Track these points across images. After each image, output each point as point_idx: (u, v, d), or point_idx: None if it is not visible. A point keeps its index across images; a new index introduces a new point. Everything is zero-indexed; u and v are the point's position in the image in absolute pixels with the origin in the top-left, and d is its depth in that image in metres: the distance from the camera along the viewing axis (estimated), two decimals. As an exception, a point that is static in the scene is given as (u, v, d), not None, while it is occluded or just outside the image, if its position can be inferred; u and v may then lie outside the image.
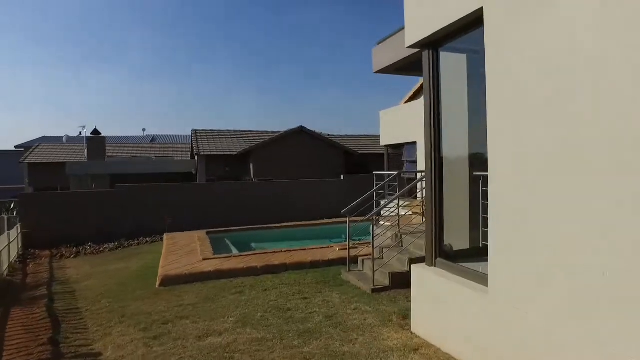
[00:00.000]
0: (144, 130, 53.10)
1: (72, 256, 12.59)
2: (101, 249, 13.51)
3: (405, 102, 16.20)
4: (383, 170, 22.80)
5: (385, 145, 16.75)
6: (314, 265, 8.04)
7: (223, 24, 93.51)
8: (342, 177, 19.95)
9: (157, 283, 7.19)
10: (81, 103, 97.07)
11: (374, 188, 8.68)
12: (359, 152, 24.29)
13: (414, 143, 14.55)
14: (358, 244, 9.35)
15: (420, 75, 6.64)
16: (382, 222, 9.99)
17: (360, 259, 7.55)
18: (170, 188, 16.63)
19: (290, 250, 8.88)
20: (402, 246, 7.24)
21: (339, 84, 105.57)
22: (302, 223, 12.81)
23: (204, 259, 8.25)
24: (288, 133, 22.45)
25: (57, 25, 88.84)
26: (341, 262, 8.28)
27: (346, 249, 9.09)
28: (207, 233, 11.81)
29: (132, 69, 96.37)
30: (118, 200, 15.58)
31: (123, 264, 10.10)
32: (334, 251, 8.96)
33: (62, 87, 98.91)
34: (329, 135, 24.05)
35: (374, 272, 6.37)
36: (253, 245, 11.43)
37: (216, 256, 8.46)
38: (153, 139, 47.58)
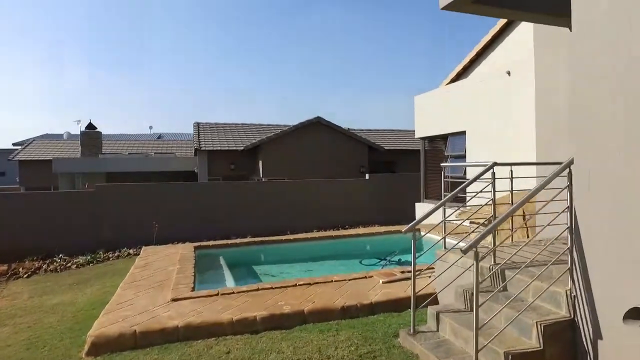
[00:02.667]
0: (150, 127, 50.85)
1: (27, 274, 9.81)
2: (69, 264, 10.74)
3: (449, 84, 13.05)
4: (411, 169, 19.85)
5: (422, 138, 13.61)
6: (348, 313, 4.99)
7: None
8: (367, 176, 16.85)
9: (85, 350, 4.24)
10: (91, 101, 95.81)
11: (460, 188, 5.61)
12: (385, 147, 21.16)
13: (462, 133, 11.39)
14: (404, 271, 6.29)
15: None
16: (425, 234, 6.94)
17: (430, 311, 4.47)
18: (163, 188, 13.75)
19: (309, 284, 5.83)
20: (505, 290, 4.18)
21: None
22: (322, 235, 9.83)
23: (174, 299, 5.26)
24: (303, 125, 19.44)
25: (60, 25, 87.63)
26: (390, 306, 5.24)
27: (393, 279, 6.06)
28: (196, 248, 8.84)
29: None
30: (99, 202, 12.76)
31: (73, 294, 7.21)
32: (377, 284, 5.90)
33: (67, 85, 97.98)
34: (349, 129, 21.00)
35: (476, 351, 3.29)
36: (257, 269, 8.43)
37: (194, 294, 5.44)
38: (160, 136, 45.20)
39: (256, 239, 9.41)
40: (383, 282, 5.91)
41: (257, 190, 14.88)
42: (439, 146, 13.06)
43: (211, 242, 9.31)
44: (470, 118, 11.04)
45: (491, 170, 4.97)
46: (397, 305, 5.25)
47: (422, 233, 10.21)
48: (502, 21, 11.26)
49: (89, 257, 11.16)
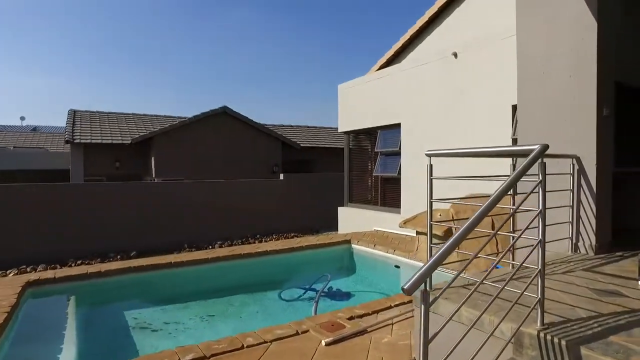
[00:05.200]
0: (22, 119, 43.26)
1: None
2: None
3: (379, 69, 11.40)
4: (328, 169, 17.99)
5: (346, 133, 11.80)
6: None
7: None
8: (281, 176, 14.65)
9: None
10: None
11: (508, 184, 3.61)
12: (302, 145, 19.13)
13: (396, 126, 9.74)
14: (354, 315, 4.17)
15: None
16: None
17: None
18: (8, 191, 10.11)
19: (204, 359, 3.42)
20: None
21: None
22: (228, 253, 7.37)
23: None
24: (206, 116, 16.55)
25: None
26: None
27: (340, 336, 3.87)
28: (31, 284, 5.79)
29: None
30: None
31: None
32: (317, 348, 3.67)
33: None
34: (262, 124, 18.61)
35: None
36: (129, 315, 5.52)
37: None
38: (35, 128, 38.25)
39: (134, 264, 6.65)
40: (326, 344, 3.71)
41: (148, 193, 11.83)
42: (367, 142, 11.33)
43: (58, 272, 6.29)
44: (406, 108, 9.42)
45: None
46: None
47: (356, 245, 8.32)
48: (440, 2, 9.83)
49: None
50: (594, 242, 4.17)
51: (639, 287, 3.16)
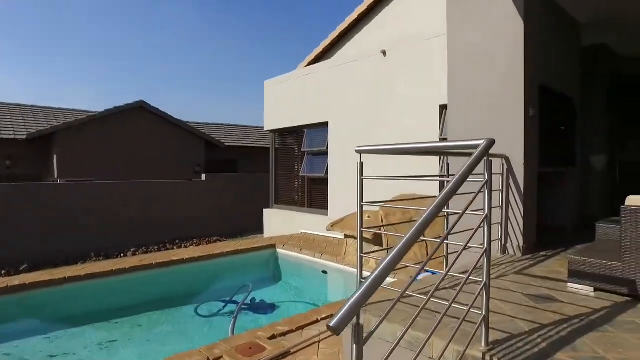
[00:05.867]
0: None
1: None
2: None
3: (308, 65, 11.05)
4: (255, 169, 17.26)
5: (272, 131, 11.31)
6: None
7: None
8: (203, 176, 13.76)
9: None
10: None
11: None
12: (227, 144, 18.23)
13: (324, 125, 9.46)
14: (276, 334, 3.70)
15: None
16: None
17: None
18: None
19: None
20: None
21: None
22: (138, 263, 6.48)
23: None
24: (119, 111, 15.05)
25: None
26: None
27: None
28: None
29: None
30: None
31: None
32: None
33: None
34: (185, 122, 17.38)
35: None
36: (1, 357, 4.54)
37: None
38: None
39: (15, 281, 5.54)
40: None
41: (47, 196, 10.34)
42: (293, 141, 10.93)
43: None
44: (334, 107, 9.15)
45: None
46: None
47: (282, 250, 7.84)
48: (369, 0, 9.71)
49: None
50: (521, 243, 4.11)
51: (568, 289, 3.07)
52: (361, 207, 2.77)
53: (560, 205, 5.35)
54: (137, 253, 10.64)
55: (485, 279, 2.03)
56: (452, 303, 1.88)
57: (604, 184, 6.39)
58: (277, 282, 7.22)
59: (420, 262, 4.48)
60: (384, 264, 1.50)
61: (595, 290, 3.00)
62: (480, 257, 2.03)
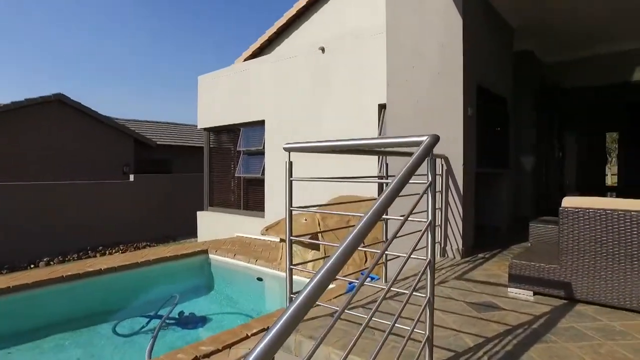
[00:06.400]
0: None
1: None
2: None
3: (245, 61, 10.56)
4: (190, 169, 16.32)
5: (206, 130, 10.71)
6: None
7: None
8: (131, 177, 12.77)
9: None
10: None
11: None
12: (159, 142, 17.14)
13: (260, 123, 9.06)
14: (201, 355, 3.27)
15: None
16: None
17: None
18: None
19: None
20: None
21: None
22: (44, 277, 5.68)
23: None
24: (32, 104, 13.53)
25: None
26: None
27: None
28: None
29: None
30: None
31: None
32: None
33: None
34: (113, 118, 16.03)
35: None
36: None
37: None
38: None
39: None
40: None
41: None
42: (228, 140, 10.39)
43: None
44: (272, 104, 8.77)
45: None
46: None
47: (215, 256, 7.33)
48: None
49: None
50: (460, 246, 4.01)
51: (509, 294, 2.96)
52: (290, 212, 2.44)
53: (495, 205, 5.39)
54: (52, 263, 9.55)
55: (428, 295, 1.78)
56: (394, 324, 1.61)
57: (534, 185, 6.60)
58: (209, 292, 6.70)
59: (358, 270, 4.24)
60: (309, 288, 1.18)
61: (535, 294, 2.91)
62: (423, 270, 1.78)
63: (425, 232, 1.77)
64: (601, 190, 12.74)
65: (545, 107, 7.17)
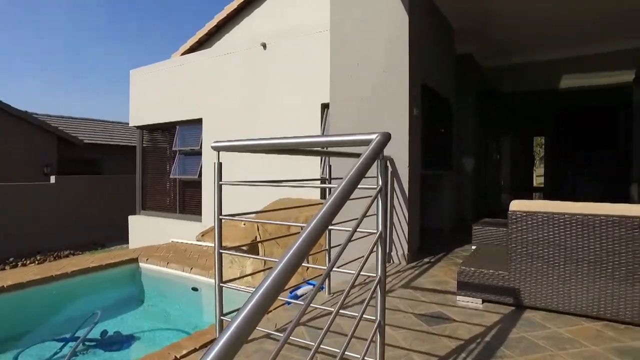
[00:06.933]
0: None
1: None
2: None
3: (184, 54, 9.92)
4: (122, 170, 15.15)
5: (139, 128, 9.97)
6: None
7: None
8: (52, 179, 11.62)
9: None
10: None
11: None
12: (86, 141, 15.80)
13: (198, 122, 8.55)
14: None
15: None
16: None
17: None
18: None
19: None
20: None
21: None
22: None
23: None
24: None
25: None
26: None
27: None
28: None
29: None
30: None
31: None
32: None
33: None
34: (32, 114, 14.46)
35: None
36: None
37: None
38: None
39: None
40: None
41: None
42: (163, 139, 9.72)
43: None
44: (210, 102, 8.27)
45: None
46: None
47: (145, 264, 6.72)
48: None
49: None
50: (406, 251, 3.86)
51: (458, 303, 2.82)
52: (220, 221, 2.10)
53: (438, 207, 5.35)
54: (-48, 277, 8.32)
55: (379, 318, 1.53)
56: (344, 351, 1.33)
57: (474, 186, 6.69)
58: (139, 306, 6.09)
59: (302, 282, 3.95)
60: (243, 315, 0.88)
61: (484, 301, 2.79)
62: (373, 289, 1.53)
63: (376, 245, 1.52)
64: (530, 190, 13.50)
65: (484, 110, 7.34)
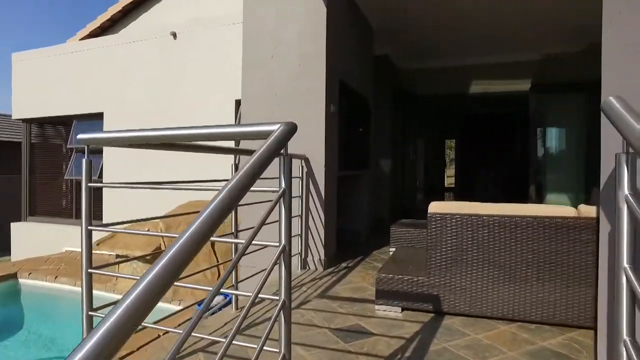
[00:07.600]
0: None
1: None
2: None
3: (84, 39, 8.81)
4: (5, 170, 13.14)
5: (26, 121, 8.74)
6: None
7: None
8: None
9: None
10: None
11: None
12: (-40, 136, 13.52)
13: (99, 116, 7.66)
14: None
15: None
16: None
17: None
18: None
19: None
20: None
21: None
22: None
23: None
24: None
25: None
26: None
27: None
28: None
29: None
30: None
31: None
32: None
33: None
34: None
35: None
36: None
37: None
38: None
39: None
40: None
41: None
42: (57, 134, 8.58)
43: None
44: (113, 94, 7.41)
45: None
46: None
47: (27, 280, 5.77)
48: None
49: None
50: (322, 256, 3.63)
51: (377, 313, 2.63)
52: (89, 232, 1.66)
53: (355, 208, 5.22)
54: None
55: (283, 350, 1.23)
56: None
57: (391, 186, 6.71)
58: (16, 332, 5.14)
59: (210, 287, 3.52)
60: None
61: (403, 309, 2.63)
62: (277, 314, 1.22)
63: (278, 261, 1.22)
64: (442, 190, 14.22)
65: (400, 110, 7.43)
